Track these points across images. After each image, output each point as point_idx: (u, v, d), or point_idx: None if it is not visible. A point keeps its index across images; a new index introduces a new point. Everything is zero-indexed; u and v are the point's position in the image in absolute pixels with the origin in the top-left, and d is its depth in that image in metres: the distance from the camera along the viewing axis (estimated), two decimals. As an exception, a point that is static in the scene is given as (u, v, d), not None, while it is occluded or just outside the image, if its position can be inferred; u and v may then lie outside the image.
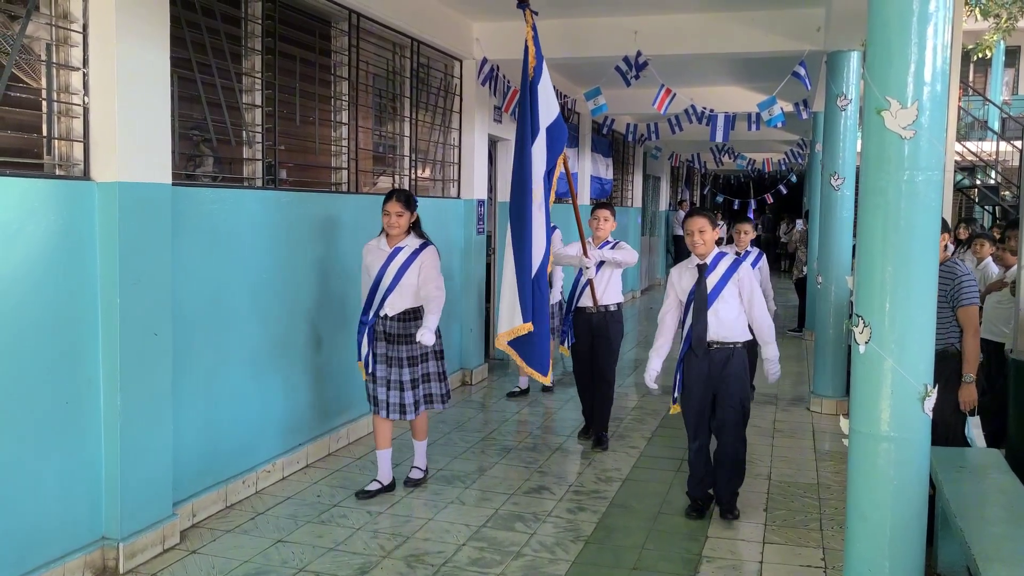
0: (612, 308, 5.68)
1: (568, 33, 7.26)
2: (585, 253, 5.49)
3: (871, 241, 2.68)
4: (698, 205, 25.28)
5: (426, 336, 4.40)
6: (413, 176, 6.87)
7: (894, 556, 2.71)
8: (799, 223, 12.96)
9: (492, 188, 8.58)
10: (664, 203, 19.43)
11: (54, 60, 3.50)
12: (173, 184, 3.92)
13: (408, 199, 4.54)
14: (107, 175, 3.58)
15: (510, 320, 4.77)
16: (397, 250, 4.54)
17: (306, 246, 5.17)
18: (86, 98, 3.57)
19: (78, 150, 3.59)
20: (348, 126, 5.77)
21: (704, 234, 4.29)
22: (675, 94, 7.42)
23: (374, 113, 6.43)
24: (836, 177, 6.93)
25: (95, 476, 3.64)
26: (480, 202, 7.85)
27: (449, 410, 6.75)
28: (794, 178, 18.37)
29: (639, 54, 7.02)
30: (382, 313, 4.57)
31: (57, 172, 3.54)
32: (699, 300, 4.31)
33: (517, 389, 7.39)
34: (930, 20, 2.54)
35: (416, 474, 4.94)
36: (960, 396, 4.22)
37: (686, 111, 8.46)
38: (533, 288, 4.76)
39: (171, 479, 3.98)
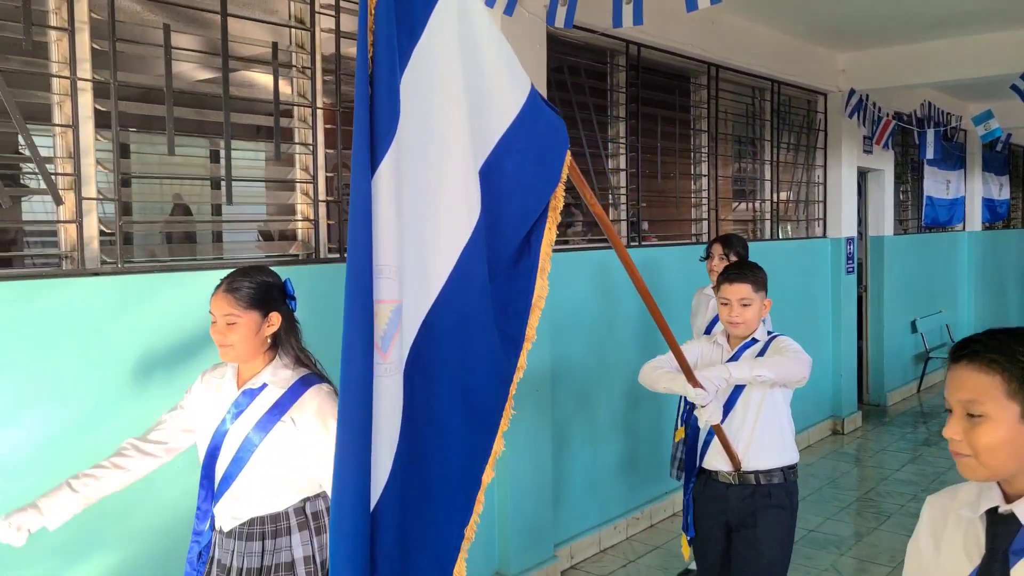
0: (774, 478, 2.88)
1: (955, 53, 6.60)
2: (690, 378, 2.61)
3: None
4: None
5: None
6: (775, 219, 6.73)
7: None
8: None
9: (862, 222, 8.08)
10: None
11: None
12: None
13: (259, 291, 2.26)
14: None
15: None
16: (249, 395, 2.28)
17: (669, 295, 5.31)
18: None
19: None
20: (708, 176, 5.85)
21: None
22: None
23: (733, 160, 6.44)
24: None
25: (489, 518, 4.10)
26: (849, 240, 7.42)
27: (820, 462, 6.44)
28: None
29: (1041, 66, 6.14)
30: (217, 525, 2.32)
31: (458, 249, 4.10)
32: None
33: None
34: None
35: None
36: None
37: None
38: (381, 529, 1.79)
39: (552, 523, 4.34)
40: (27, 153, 2.67)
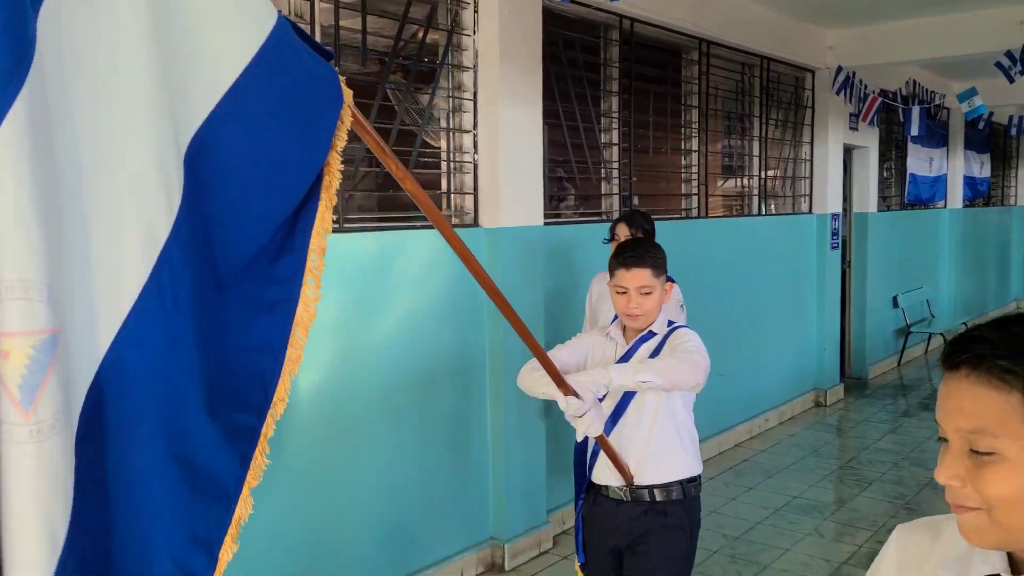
0: (672, 493, 2.46)
1: (941, 30, 6.68)
2: (560, 384, 2.14)
3: None
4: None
5: None
6: (763, 195, 6.82)
7: None
8: None
9: (847, 199, 8.20)
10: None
11: (451, 126, 4.11)
12: (543, 224, 4.38)
13: None
14: (491, 222, 4.11)
15: None
16: None
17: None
18: (475, 156, 4.13)
19: (469, 201, 4.17)
20: (698, 152, 5.92)
21: None
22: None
23: (723, 135, 6.51)
24: None
25: (484, 485, 4.19)
26: (834, 216, 7.53)
27: (804, 433, 6.58)
28: None
29: (1026, 45, 6.22)
30: None
31: (452, 221, 4.15)
32: None
33: None
34: None
35: None
36: None
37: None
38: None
39: (545, 490, 4.43)
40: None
